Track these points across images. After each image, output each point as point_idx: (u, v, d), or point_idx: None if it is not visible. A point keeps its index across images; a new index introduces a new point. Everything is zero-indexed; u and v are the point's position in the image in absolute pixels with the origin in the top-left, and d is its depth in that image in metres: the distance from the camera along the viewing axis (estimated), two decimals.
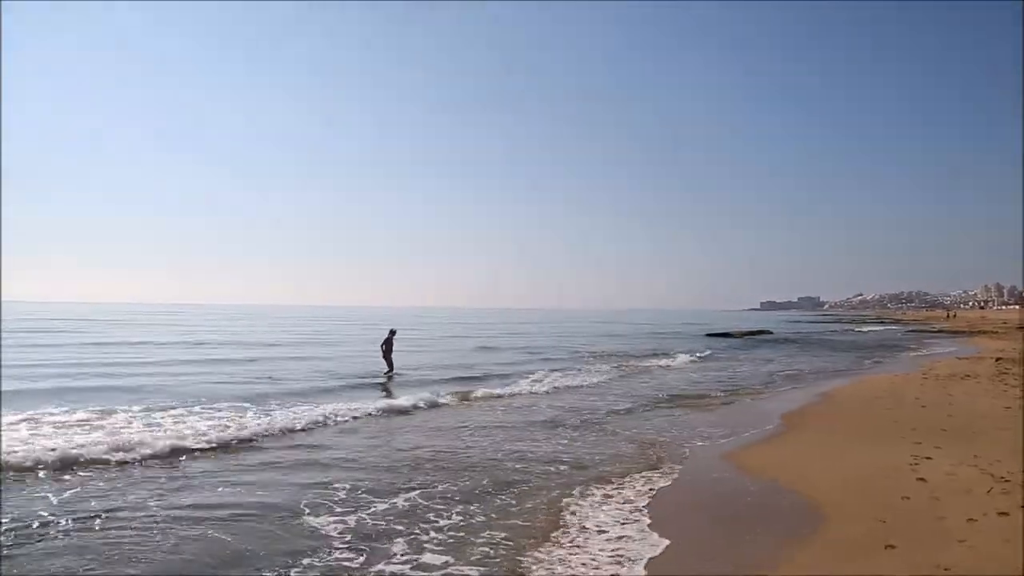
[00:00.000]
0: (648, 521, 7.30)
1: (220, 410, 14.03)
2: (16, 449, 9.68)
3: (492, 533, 6.90)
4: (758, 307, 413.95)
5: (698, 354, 33.91)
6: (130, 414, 13.20)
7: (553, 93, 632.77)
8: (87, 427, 11.87)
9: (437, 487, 8.61)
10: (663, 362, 29.18)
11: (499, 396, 17.69)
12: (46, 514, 7.19)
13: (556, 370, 24.08)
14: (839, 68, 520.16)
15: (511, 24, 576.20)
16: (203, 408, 14.24)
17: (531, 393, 18.50)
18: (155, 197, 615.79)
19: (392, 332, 22.52)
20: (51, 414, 12.90)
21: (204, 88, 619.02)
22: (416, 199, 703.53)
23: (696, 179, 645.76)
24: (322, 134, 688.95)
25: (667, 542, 6.60)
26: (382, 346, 22.21)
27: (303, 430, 12.40)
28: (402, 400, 15.66)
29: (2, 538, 6.47)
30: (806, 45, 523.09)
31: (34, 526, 6.83)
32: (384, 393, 18.04)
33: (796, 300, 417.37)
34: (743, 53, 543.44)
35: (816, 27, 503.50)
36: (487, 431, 12.68)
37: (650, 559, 6.19)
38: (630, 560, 6.17)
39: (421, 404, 15.42)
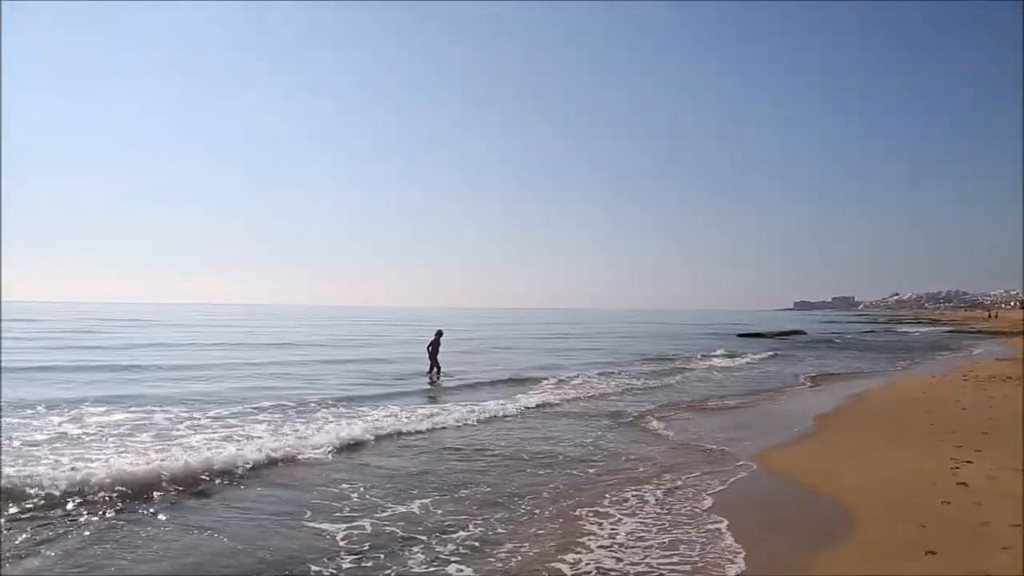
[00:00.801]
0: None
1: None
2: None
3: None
4: (791, 307, 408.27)
5: (729, 354, 33.51)
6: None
7: (582, 92, 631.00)
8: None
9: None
10: (694, 364, 28.89)
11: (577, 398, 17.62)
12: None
13: (607, 372, 24.08)
14: (879, 66, 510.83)
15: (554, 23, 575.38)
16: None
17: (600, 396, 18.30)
18: (170, 195, 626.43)
19: (439, 333, 22.54)
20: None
21: (229, 88, 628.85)
22: (442, 196, 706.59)
23: (728, 179, 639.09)
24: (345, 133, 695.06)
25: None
26: (428, 347, 22.28)
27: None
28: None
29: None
30: (844, 44, 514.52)
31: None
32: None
33: (830, 300, 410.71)
34: (778, 50, 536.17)
35: (854, 25, 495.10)
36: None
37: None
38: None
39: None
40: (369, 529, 7.02)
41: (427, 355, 22.31)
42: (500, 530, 7.02)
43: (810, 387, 20.73)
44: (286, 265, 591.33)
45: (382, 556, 6.27)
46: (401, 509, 7.73)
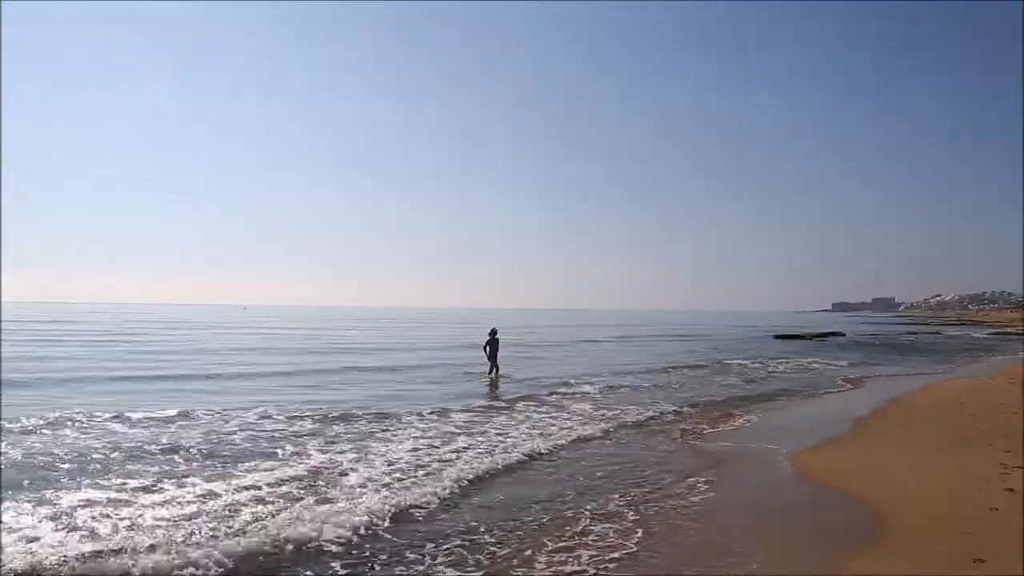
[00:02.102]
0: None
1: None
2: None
3: None
4: (829, 308, 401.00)
5: (764, 357, 33.01)
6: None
7: (621, 92, 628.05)
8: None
9: None
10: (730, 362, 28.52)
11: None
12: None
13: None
14: (921, 66, 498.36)
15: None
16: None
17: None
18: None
19: (493, 332, 22.21)
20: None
21: (257, 88, 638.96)
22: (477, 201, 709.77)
23: (765, 178, 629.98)
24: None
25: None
26: (485, 347, 22.10)
27: None
28: None
29: None
30: (891, 46, 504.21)
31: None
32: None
33: (870, 301, 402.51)
34: (816, 51, 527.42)
35: (905, 26, 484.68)
36: None
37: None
38: None
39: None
40: None
41: (485, 356, 22.07)
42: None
43: (849, 388, 20.33)
44: (297, 264, 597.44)
45: None
46: None
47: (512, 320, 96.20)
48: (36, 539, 6.30)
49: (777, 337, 53.72)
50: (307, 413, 13.77)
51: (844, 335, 57.78)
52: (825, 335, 56.68)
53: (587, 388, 19.12)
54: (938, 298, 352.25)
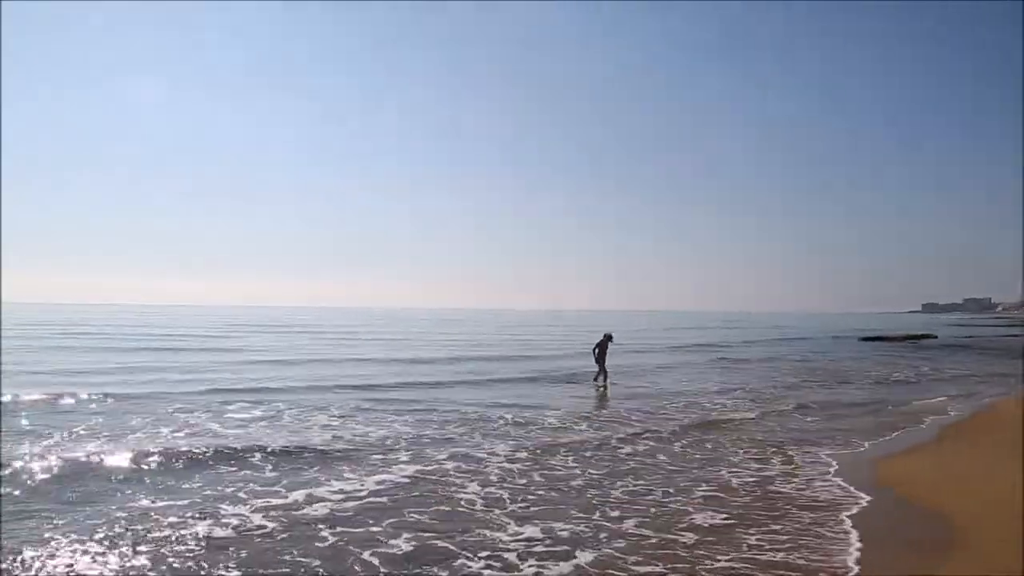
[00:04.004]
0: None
1: None
2: None
3: None
4: (918, 309, 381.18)
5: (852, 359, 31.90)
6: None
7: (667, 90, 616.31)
8: None
9: None
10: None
11: None
12: None
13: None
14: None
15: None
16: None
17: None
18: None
19: (608, 337, 21.66)
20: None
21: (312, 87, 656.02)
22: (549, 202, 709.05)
23: (851, 170, 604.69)
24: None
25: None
26: (594, 350, 21.73)
27: None
28: None
29: None
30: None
31: None
32: None
33: (961, 302, 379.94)
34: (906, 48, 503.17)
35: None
36: None
37: None
38: None
39: None
40: None
41: (593, 359, 21.59)
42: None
43: (937, 393, 19.58)
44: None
45: None
46: None
47: (580, 321, 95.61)
48: None
49: (862, 340, 51.75)
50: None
51: (936, 337, 55.05)
52: (915, 337, 54.17)
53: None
54: None
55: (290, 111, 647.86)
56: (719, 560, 6.27)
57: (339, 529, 7.08)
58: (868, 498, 8.36)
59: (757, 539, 6.88)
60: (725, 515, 7.65)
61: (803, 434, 12.88)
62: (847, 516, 7.62)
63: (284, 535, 6.84)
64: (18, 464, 9.30)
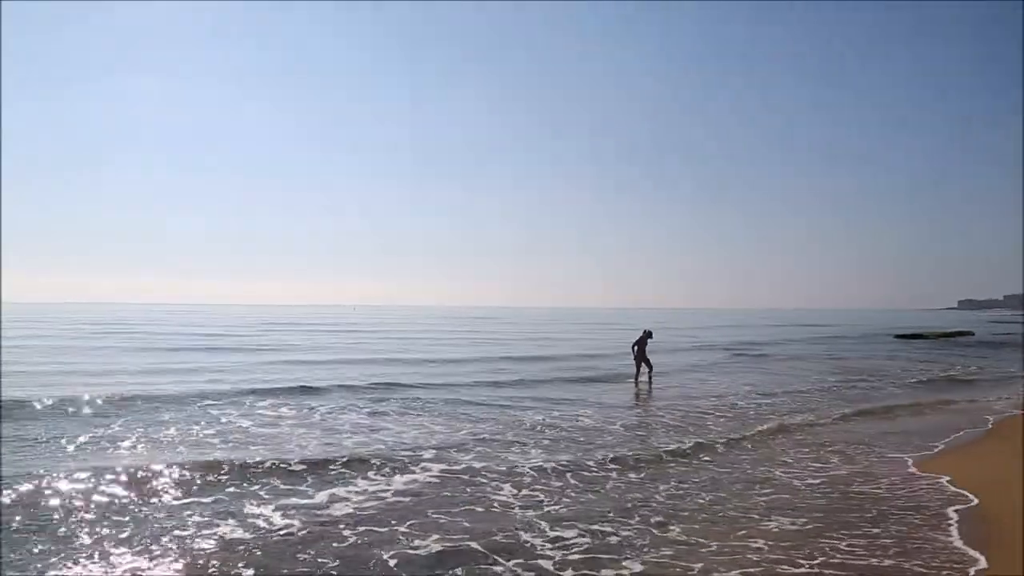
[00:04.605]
0: None
1: None
2: None
3: None
4: (955, 306, 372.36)
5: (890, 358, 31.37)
6: None
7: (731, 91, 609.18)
8: None
9: None
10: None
11: None
12: None
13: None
14: None
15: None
16: None
17: None
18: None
19: (647, 333, 21.51)
20: None
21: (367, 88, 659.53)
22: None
23: (885, 164, 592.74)
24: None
25: None
26: (633, 347, 21.44)
27: None
28: None
29: None
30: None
31: None
32: None
33: (1001, 299, 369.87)
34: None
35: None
36: None
37: None
38: None
39: None
40: None
41: (633, 356, 21.25)
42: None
43: (981, 393, 19.07)
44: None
45: None
46: None
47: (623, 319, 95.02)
48: None
49: (897, 337, 50.76)
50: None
51: (973, 334, 53.70)
52: (952, 334, 52.87)
53: None
54: None
55: (310, 110, 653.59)
56: (801, 566, 5.88)
57: (361, 529, 6.95)
58: (974, 500, 7.90)
59: (848, 544, 6.46)
60: (802, 520, 7.26)
61: (863, 436, 12.42)
62: (952, 518, 7.19)
63: (306, 534, 6.75)
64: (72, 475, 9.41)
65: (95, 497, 7.84)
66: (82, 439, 11.02)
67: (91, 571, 5.79)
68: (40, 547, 6.27)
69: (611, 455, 10.56)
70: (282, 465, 9.45)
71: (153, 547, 6.33)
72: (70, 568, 5.83)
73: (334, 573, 5.87)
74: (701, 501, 8.13)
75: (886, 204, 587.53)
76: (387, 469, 9.47)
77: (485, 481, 8.96)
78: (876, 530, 6.92)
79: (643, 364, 21.01)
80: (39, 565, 5.88)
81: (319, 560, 6.10)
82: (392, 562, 6.10)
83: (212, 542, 6.49)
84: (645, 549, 6.44)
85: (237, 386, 17.74)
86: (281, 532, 6.84)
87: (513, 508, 7.79)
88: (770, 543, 6.58)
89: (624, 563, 6.11)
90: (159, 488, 8.27)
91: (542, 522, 7.22)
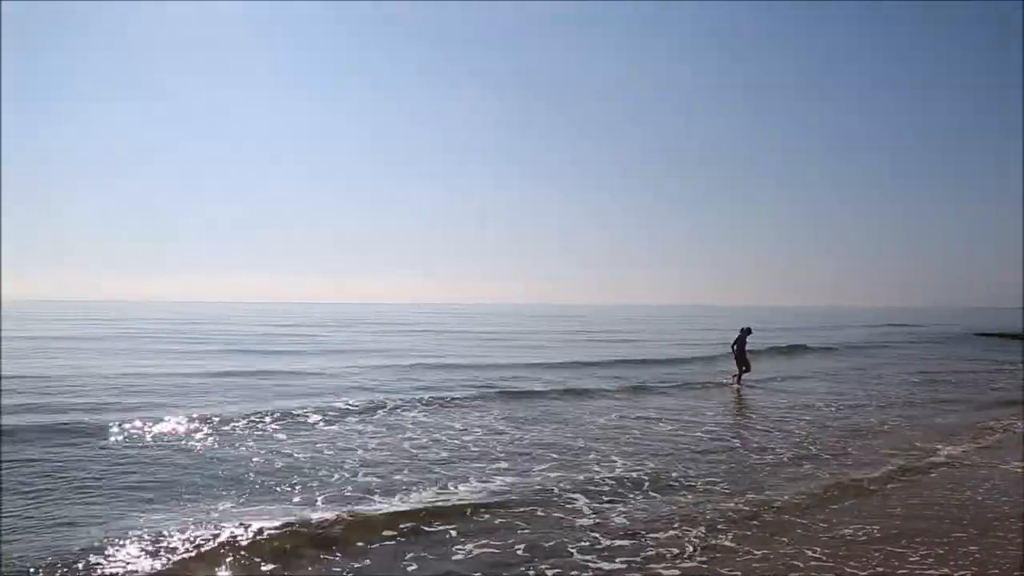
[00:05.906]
0: None
1: None
2: None
3: None
4: (1019, 306, 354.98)
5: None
6: None
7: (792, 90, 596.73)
8: None
9: None
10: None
11: None
12: None
13: None
14: None
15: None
16: None
17: None
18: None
19: (745, 331, 20.54)
20: None
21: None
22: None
23: (959, 153, 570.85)
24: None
25: None
26: (733, 345, 20.62)
27: None
28: None
29: None
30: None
31: None
32: None
33: None
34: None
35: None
36: None
37: None
38: None
39: None
40: None
41: (732, 355, 20.42)
42: None
43: None
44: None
45: None
46: None
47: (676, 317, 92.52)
48: None
49: (978, 335, 47.82)
50: None
51: None
52: None
53: None
54: None
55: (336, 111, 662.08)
56: None
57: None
58: None
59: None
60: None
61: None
62: None
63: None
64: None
65: None
66: None
67: None
68: None
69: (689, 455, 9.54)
70: None
71: None
72: None
73: None
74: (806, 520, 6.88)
75: (950, 200, 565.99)
76: None
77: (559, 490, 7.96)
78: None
79: (740, 361, 20.04)
80: None
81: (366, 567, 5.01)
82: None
83: None
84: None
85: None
86: None
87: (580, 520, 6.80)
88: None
89: None
90: None
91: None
